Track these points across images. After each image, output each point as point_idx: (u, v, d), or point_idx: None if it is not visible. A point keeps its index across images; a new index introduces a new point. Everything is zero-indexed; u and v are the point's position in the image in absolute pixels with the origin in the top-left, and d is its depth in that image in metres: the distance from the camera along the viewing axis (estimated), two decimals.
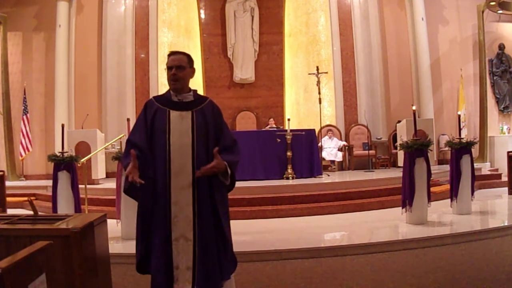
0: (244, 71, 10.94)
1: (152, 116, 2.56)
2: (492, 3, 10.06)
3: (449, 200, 5.83)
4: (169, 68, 2.60)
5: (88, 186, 5.87)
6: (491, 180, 8.66)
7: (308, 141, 7.99)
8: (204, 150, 2.52)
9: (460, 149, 5.77)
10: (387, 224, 5.39)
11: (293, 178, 7.59)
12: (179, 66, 2.59)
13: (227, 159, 2.49)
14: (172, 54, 2.65)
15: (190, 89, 2.67)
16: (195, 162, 2.48)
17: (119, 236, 4.86)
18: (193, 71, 2.67)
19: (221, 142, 2.57)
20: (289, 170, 7.63)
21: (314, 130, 8.41)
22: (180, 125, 2.53)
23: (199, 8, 10.96)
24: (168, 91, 2.67)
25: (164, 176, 2.47)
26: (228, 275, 2.54)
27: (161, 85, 10.06)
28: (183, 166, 2.48)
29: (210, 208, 2.50)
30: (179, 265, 2.45)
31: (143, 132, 2.54)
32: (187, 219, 2.46)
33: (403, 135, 7.74)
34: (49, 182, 5.81)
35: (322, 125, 9.58)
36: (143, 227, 2.49)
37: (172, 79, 2.59)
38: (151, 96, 10.12)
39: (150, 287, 2.47)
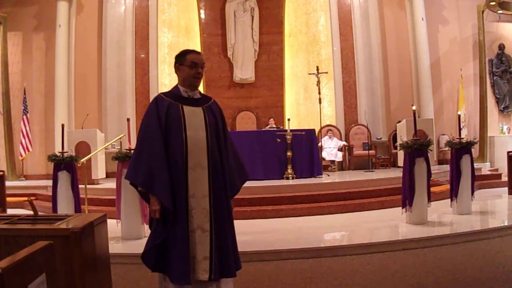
0: (244, 71, 10.94)
1: (165, 111, 2.58)
2: (492, 3, 10.05)
3: (449, 200, 5.83)
4: (194, 64, 2.62)
5: (88, 186, 5.88)
6: (491, 180, 8.65)
7: (308, 141, 7.99)
8: (216, 145, 2.63)
9: (460, 149, 5.76)
10: (387, 224, 5.40)
11: (293, 178, 7.59)
12: (203, 64, 2.67)
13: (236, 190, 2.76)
14: (194, 52, 2.70)
15: None
16: (209, 156, 2.58)
17: (119, 236, 4.86)
18: None
19: (229, 155, 2.70)
20: (289, 170, 7.63)
21: (314, 130, 8.41)
22: (195, 120, 2.60)
23: (199, 8, 10.96)
24: (176, 87, 2.71)
25: (182, 170, 2.53)
26: (240, 265, 2.65)
27: (161, 85, 10.07)
28: (200, 160, 2.56)
29: (225, 200, 2.62)
30: (196, 255, 2.51)
31: (158, 130, 2.54)
32: (204, 211, 2.54)
33: (403, 135, 7.74)
34: (49, 182, 5.81)
35: (322, 125, 9.57)
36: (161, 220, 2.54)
37: (197, 77, 2.65)
38: (151, 96, 10.10)
39: (166, 278, 2.53)
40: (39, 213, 2.35)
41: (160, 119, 2.56)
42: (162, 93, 2.72)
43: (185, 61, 2.64)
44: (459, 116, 7.30)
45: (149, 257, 2.56)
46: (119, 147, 6.44)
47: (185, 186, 2.53)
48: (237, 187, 2.76)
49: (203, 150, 2.57)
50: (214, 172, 2.58)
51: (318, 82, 9.06)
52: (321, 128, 9.65)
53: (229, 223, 2.63)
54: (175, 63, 2.70)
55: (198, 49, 10.69)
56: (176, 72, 2.71)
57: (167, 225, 2.52)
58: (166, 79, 10.37)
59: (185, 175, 2.54)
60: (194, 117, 2.60)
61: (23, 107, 9.48)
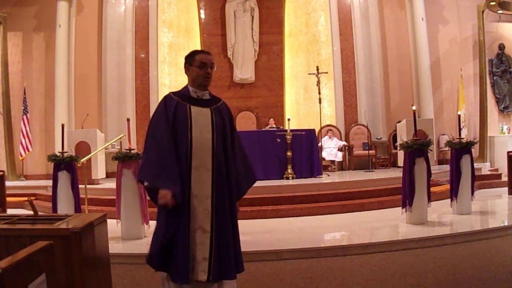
0: (244, 71, 10.93)
1: (173, 110, 2.59)
2: (492, 3, 10.05)
3: (449, 200, 5.83)
4: (203, 64, 2.63)
5: (88, 186, 5.88)
6: (491, 180, 8.65)
7: (308, 141, 7.99)
8: (222, 147, 2.63)
9: (460, 149, 5.77)
10: (387, 224, 5.39)
11: (293, 178, 7.59)
12: (213, 64, 2.67)
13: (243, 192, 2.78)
14: (203, 52, 2.72)
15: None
16: (214, 157, 2.58)
17: (119, 236, 4.86)
18: None
19: (236, 157, 2.71)
20: (289, 170, 7.63)
21: (314, 130, 8.42)
22: (201, 120, 2.61)
23: (199, 8, 10.96)
24: (185, 88, 2.72)
25: (186, 170, 2.54)
26: (242, 268, 2.65)
27: (161, 85, 10.07)
28: (204, 160, 2.57)
29: (228, 202, 2.60)
30: (196, 255, 2.51)
31: (166, 126, 2.56)
32: (206, 211, 2.55)
33: (403, 135, 7.74)
34: (49, 182, 5.81)
35: (322, 125, 9.57)
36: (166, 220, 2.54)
37: (207, 76, 2.65)
38: (151, 96, 10.06)
39: (169, 277, 2.52)
40: (39, 213, 2.35)
41: (168, 117, 2.58)
42: (172, 92, 2.73)
43: (194, 61, 2.65)
44: (459, 116, 7.32)
45: (155, 260, 2.54)
46: (119, 147, 6.45)
47: (188, 186, 2.54)
48: (243, 190, 2.77)
49: (208, 151, 2.58)
50: (218, 173, 2.58)
51: (318, 82, 9.06)
52: (321, 128, 9.65)
53: (232, 225, 2.62)
54: (185, 63, 2.71)
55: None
56: (185, 72, 2.72)
57: (171, 224, 2.52)
58: (166, 79, 10.37)
59: (188, 175, 2.54)
60: (201, 117, 2.61)
61: (23, 107, 9.48)
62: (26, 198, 6.34)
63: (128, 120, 6.02)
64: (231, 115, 2.80)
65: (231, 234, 2.59)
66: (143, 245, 4.63)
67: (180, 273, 2.47)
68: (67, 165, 5.25)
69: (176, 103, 2.61)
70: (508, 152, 7.68)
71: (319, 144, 8.86)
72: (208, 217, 2.54)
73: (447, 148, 7.21)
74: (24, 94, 9.51)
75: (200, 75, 2.63)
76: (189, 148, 2.55)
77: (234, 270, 2.59)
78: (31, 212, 2.26)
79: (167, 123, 2.56)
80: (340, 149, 9.58)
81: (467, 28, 10.67)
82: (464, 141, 5.81)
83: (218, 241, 2.53)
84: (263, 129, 9.46)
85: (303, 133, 7.97)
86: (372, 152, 9.41)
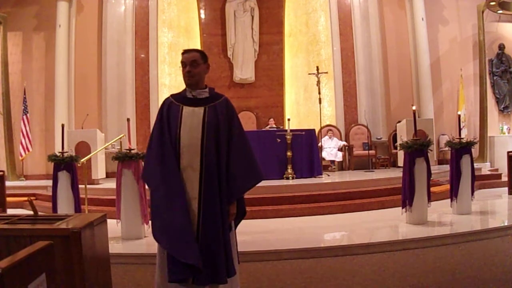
0: (244, 71, 10.94)
1: (166, 111, 2.61)
2: (492, 3, 10.06)
3: (449, 200, 5.83)
4: (183, 64, 2.62)
5: (88, 186, 5.87)
6: (491, 180, 8.66)
7: (308, 141, 7.99)
8: (214, 147, 2.55)
9: (460, 149, 5.77)
10: (387, 224, 5.39)
11: (293, 178, 7.59)
12: (193, 61, 2.60)
13: (237, 195, 2.63)
14: (185, 52, 2.66)
15: (206, 86, 2.71)
16: (203, 157, 2.52)
17: (119, 236, 4.86)
18: (207, 66, 2.70)
19: (236, 155, 2.59)
20: (289, 170, 7.63)
21: (314, 130, 8.41)
22: (191, 120, 2.57)
23: (199, 8, 10.96)
24: (184, 89, 2.70)
25: (177, 170, 2.51)
26: (234, 272, 2.54)
27: (161, 85, 10.07)
28: (191, 160, 2.52)
29: (218, 204, 2.51)
30: None
31: (160, 134, 2.58)
32: (193, 213, 2.49)
33: (403, 135, 7.74)
34: (49, 182, 5.81)
35: (322, 125, 9.58)
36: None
37: (186, 75, 2.61)
38: (151, 96, 10.07)
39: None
40: (39, 213, 2.35)
41: (163, 120, 2.59)
42: (172, 95, 2.73)
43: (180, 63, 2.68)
44: (459, 116, 7.31)
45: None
46: (119, 147, 6.44)
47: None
48: (240, 188, 2.61)
49: (196, 151, 2.52)
50: (208, 174, 2.50)
51: (318, 82, 9.07)
52: (321, 128, 9.65)
53: (223, 227, 2.51)
54: None
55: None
56: None
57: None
58: (166, 79, 10.37)
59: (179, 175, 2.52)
60: (191, 117, 2.57)
61: (23, 107, 9.48)
62: (26, 198, 6.33)
63: (128, 120, 6.02)
64: (231, 112, 2.67)
65: (221, 237, 2.49)
66: (143, 245, 4.63)
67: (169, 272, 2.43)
68: (67, 165, 5.25)
69: (169, 105, 2.62)
70: (508, 152, 7.68)
71: (319, 144, 8.86)
72: (195, 218, 2.48)
73: (447, 148, 7.21)
74: (24, 94, 9.52)
75: (183, 75, 2.64)
76: (177, 148, 2.53)
77: (225, 274, 2.47)
78: (31, 212, 2.26)
79: (160, 128, 2.58)
80: (340, 149, 9.58)
81: (467, 28, 10.67)
82: (464, 141, 5.81)
83: (205, 243, 2.45)
84: (263, 129, 9.46)
85: (303, 133, 7.97)
86: (372, 152, 9.41)
